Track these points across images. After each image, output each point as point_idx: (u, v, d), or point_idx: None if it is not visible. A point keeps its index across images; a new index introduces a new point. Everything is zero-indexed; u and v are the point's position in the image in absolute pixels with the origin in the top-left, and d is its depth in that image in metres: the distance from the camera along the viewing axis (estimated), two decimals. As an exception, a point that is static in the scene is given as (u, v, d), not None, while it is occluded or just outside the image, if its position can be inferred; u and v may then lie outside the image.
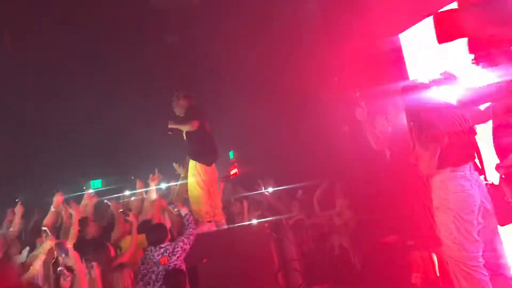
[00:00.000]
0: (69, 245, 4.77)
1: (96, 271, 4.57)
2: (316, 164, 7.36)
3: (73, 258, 4.25)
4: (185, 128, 6.45)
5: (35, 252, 5.21)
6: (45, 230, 5.07)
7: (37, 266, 4.83)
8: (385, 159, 5.47)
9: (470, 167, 3.93)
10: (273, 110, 8.51)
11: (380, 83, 6.08)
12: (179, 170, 6.81)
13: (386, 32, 6.13)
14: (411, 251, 5.39)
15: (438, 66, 4.66)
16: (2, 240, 5.11)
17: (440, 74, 4.15)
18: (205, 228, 6.26)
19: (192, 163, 6.51)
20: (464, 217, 3.81)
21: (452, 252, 3.87)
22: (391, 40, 6.13)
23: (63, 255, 4.33)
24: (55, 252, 4.88)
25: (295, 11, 7.92)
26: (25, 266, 5.03)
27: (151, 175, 6.42)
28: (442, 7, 4.98)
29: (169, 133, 6.49)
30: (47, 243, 4.91)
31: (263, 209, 7.37)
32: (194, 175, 6.45)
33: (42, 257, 4.88)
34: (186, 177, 6.70)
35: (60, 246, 4.39)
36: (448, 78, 4.09)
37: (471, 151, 4.05)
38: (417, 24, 5.71)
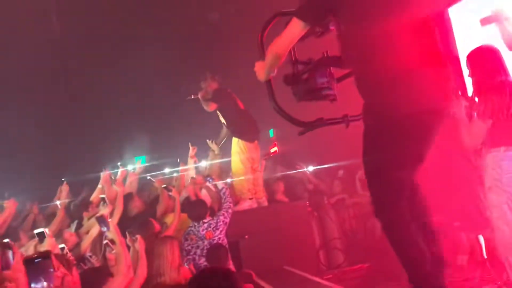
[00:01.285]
0: (111, 219, 4.92)
1: (140, 244, 4.70)
2: (359, 142, 7.21)
3: (113, 231, 4.36)
4: (204, 106, 6.60)
5: (90, 222, 5.42)
6: (103, 198, 5.23)
7: (95, 232, 5.02)
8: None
9: None
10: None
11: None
12: (212, 146, 6.86)
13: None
14: (457, 233, 5.24)
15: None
16: (63, 210, 5.35)
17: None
18: (247, 205, 6.31)
19: (234, 140, 6.53)
20: (519, 198, 3.64)
21: (505, 235, 3.72)
22: (440, 14, 5.90)
23: (105, 228, 4.45)
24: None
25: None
26: (79, 237, 5.26)
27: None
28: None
29: (191, 97, 6.62)
30: (106, 210, 5.08)
31: (304, 187, 7.33)
32: (237, 152, 6.46)
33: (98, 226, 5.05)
34: (219, 154, 6.76)
35: (101, 219, 4.51)
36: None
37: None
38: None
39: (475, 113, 3.72)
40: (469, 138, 3.82)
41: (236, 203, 6.11)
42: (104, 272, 3.73)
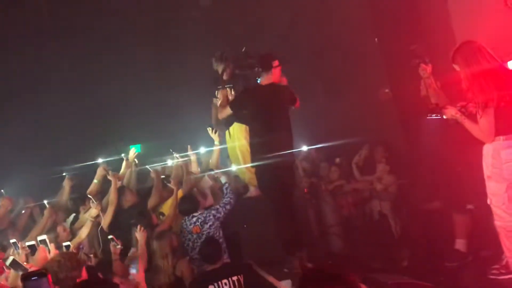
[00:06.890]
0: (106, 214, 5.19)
1: (142, 234, 4.83)
2: (356, 127, 7.19)
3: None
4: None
5: (81, 217, 5.42)
6: (90, 198, 5.23)
7: (86, 232, 5.03)
8: (428, 125, 5.24)
9: None
10: (312, 71, 8.32)
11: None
12: (213, 135, 6.52)
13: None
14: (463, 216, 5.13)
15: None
16: (50, 209, 5.31)
17: None
18: (254, 192, 6.17)
19: (240, 127, 6.12)
20: (518, 187, 3.66)
21: (504, 222, 3.75)
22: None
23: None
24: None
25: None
26: (72, 231, 5.26)
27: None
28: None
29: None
30: (94, 211, 5.10)
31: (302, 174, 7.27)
32: (245, 138, 6.06)
33: (89, 223, 5.07)
34: (220, 144, 6.54)
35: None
36: None
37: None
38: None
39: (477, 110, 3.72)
40: (483, 136, 3.83)
41: (245, 190, 6.17)
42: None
